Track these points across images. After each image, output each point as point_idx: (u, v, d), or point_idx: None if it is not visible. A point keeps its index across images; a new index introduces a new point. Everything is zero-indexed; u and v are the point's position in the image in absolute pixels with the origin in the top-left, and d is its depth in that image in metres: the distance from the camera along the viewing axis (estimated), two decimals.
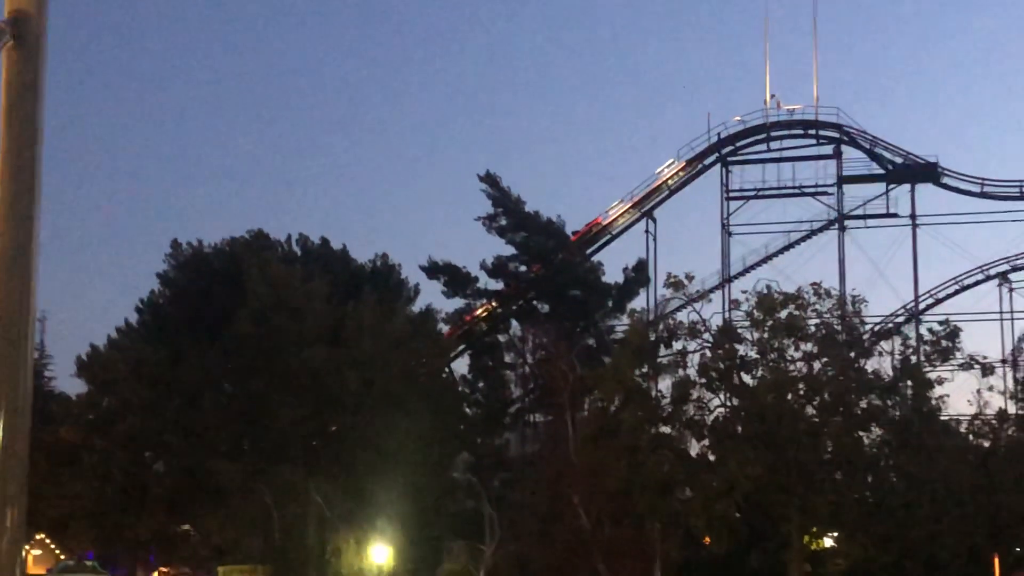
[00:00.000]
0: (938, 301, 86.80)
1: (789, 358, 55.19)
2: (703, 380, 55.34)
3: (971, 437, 57.58)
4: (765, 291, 55.53)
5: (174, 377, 69.24)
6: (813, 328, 55.12)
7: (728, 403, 56.38)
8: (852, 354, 55.96)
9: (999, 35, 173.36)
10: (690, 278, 57.46)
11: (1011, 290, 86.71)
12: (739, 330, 56.95)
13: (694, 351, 56.09)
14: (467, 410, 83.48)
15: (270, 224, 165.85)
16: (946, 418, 58.39)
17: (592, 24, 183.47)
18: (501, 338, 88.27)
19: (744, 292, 57.49)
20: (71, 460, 69.08)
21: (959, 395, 58.41)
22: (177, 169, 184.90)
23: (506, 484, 75.02)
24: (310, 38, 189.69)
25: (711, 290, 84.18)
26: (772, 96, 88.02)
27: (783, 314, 54.33)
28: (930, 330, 57.89)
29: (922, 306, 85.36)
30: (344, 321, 68.73)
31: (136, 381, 69.43)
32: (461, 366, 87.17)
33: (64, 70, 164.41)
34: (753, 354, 55.64)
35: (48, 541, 77.26)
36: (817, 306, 55.08)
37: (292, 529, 63.42)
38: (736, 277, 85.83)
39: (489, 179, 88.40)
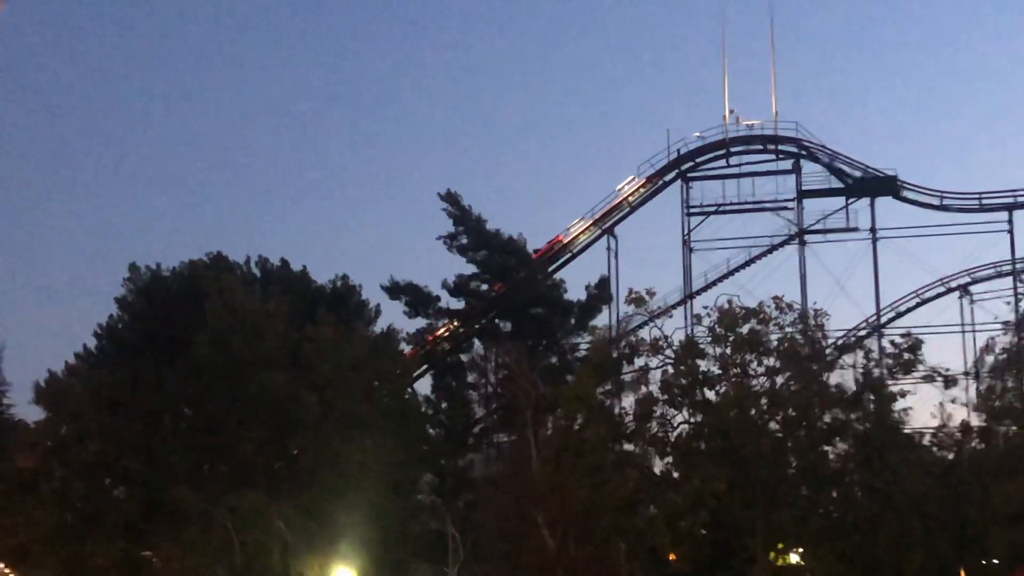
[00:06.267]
0: (900, 314, 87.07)
1: (752, 373, 54.96)
2: (665, 397, 55.05)
3: (935, 449, 57.45)
4: (726, 306, 55.41)
5: (133, 402, 68.34)
6: (775, 342, 54.94)
7: (691, 419, 56.01)
8: (815, 368, 55.73)
9: (957, 49, 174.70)
10: (651, 294, 57.36)
11: (972, 302, 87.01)
12: (701, 346, 56.64)
13: (656, 367, 55.83)
14: (430, 431, 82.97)
15: (229, 246, 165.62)
16: (910, 431, 58.31)
17: (551, 43, 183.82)
18: (464, 358, 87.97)
19: (705, 307, 57.37)
20: (30, 488, 68.09)
21: (923, 408, 58.40)
22: (135, 192, 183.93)
23: (471, 505, 74.51)
24: (269, 60, 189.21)
25: (673, 306, 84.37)
26: (731, 111, 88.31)
27: (745, 329, 54.17)
28: (892, 343, 57.85)
29: (884, 319, 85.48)
30: (303, 343, 68.15)
31: (94, 407, 68.43)
32: (425, 386, 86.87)
33: (18, 91, 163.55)
34: (716, 370, 55.42)
35: (7, 570, 76.13)
36: (779, 320, 54.94)
37: (255, 555, 62.62)
38: (698, 293, 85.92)
39: (450, 198, 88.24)
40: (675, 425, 55.71)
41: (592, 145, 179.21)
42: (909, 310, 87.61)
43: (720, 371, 55.26)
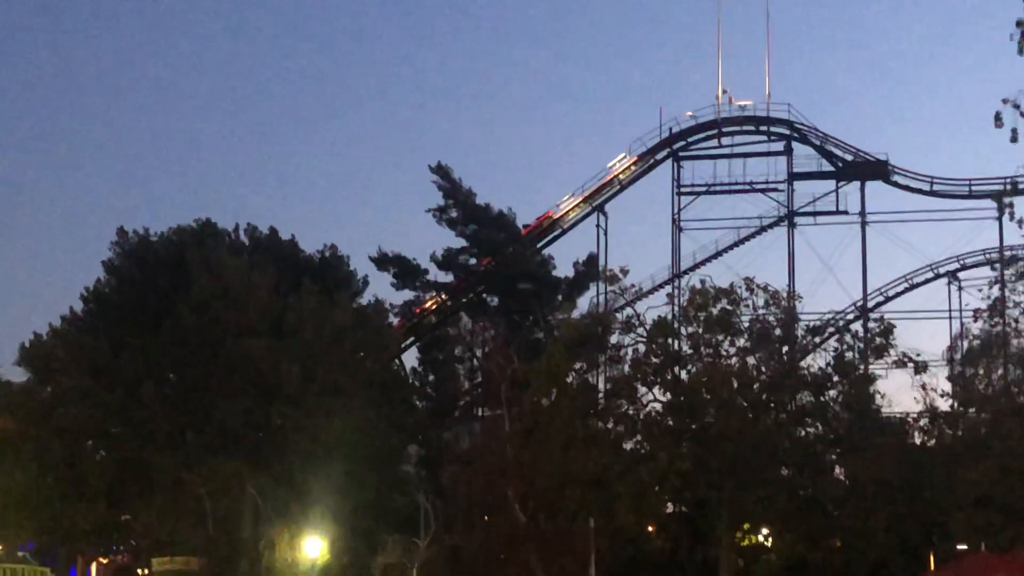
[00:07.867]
0: (888, 299, 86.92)
1: (724, 353, 55.05)
2: (637, 375, 55.17)
3: (907, 434, 57.47)
4: (699, 286, 55.54)
5: (116, 367, 68.55)
6: (747, 323, 55.04)
7: (661, 398, 56.13)
8: (785, 350, 55.86)
9: (950, 34, 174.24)
10: (624, 272, 57.45)
11: (960, 288, 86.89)
12: (676, 325, 56.81)
13: (628, 345, 55.97)
14: (417, 403, 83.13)
15: (219, 214, 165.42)
16: (886, 415, 58.37)
17: (544, 18, 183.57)
18: (451, 331, 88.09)
19: (676, 288, 57.49)
20: (11, 449, 68.45)
21: (907, 393, 58.29)
22: (127, 157, 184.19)
23: (454, 478, 74.73)
24: (260, 30, 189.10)
25: (660, 285, 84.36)
26: (724, 91, 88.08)
27: (716, 309, 54.25)
28: (864, 327, 57.90)
29: (872, 303, 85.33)
30: (286, 312, 68.31)
31: (77, 370, 68.76)
32: (412, 359, 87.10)
33: (6, 55, 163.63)
34: (688, 349, 55.56)
35: None
36: (749, 301, 55.00)
37: (226, 521, 63.00)
38: (686, 272, 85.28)
39: (440, 170, 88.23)
40: (645, 403, 55.86)
41: (584, 122, 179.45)
42: (898, 294, 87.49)
43: (692, 351, 55.39)
